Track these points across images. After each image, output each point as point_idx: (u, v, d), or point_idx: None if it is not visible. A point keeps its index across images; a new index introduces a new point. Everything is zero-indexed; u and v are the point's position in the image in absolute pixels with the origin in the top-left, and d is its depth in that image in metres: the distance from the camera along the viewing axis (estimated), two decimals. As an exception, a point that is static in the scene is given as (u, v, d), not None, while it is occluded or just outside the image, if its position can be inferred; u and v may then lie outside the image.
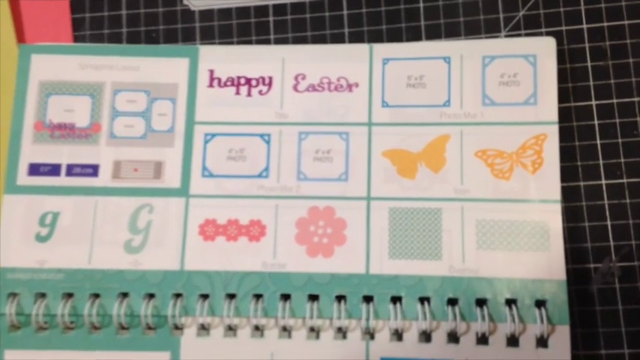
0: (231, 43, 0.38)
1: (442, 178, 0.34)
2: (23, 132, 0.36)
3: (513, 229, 0.33)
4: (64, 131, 0.36)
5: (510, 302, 0.32)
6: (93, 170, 0.35)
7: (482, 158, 0.34)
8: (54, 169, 0.35)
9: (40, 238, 0.34)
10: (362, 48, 0.36)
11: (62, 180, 0.35)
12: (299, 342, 0.33)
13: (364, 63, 0.36)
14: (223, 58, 0.37)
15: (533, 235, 0.33)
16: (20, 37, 0.39)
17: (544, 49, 0.35)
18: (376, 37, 0.38)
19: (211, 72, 0.37)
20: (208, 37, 0.39)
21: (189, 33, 0.39)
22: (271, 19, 0.38)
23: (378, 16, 0.38)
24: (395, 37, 0.38)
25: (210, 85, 0.36)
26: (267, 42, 0.38)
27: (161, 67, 0.36)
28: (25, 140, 0.36)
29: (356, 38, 0.38)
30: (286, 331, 0.33)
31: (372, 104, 0.35)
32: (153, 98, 0.36)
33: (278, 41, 0.38)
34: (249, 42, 0.38)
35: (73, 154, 0.35)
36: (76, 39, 0.39)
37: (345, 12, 0.38)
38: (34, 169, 0.35)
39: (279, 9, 0.38)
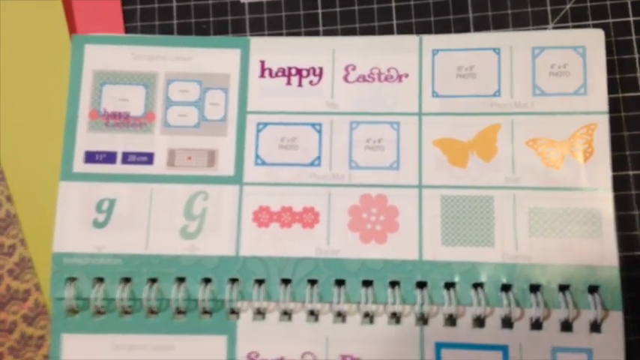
0: (280, 34, 0.39)
1: (493, 166, 0.35)
2: (78, 120, 0.36)
3: (565, 217, 0.34)
4: (119, 120, 0.36)
5: (564, 288, 0.33)
6: (148, 158, 0.36)
7: (533, 147, 0.35)
8: (109, 157, 0.36)
9: (98, 224, 0.35)
10: (411, 39, 0.37)
11: (118, 167, 0.36)
12: (353, 327, 0.34)
13: (414, 54, 0.37)
14: (274, 49, 0.37)
15: (585, 222, 0.34)
16: (72, 28, 0.39)
17: (593, 40, 0.36)
18: (424, 29, 0.38)
19: (262, 63, 0.37)
20: (258, 29, 0.39)
21: (239, 25, 0.39)
22: (320, 11, 0.39)
23: (427, 7, 0.38)
24: (443, 28, 0.38)
25: (262, 76, 0.37)
26: (315, 34, 0.39)
27: (213, 58, 0.37)
28: (81, 129, 0.36)
29: (404, 30, 0.38)
30: (341, 316, 0.34)
31: (423, 94, 0.36)
32: (205, 88, 0.37)
33: (327, 33, 0.39)
34: (298, 34, 0.39)
35: (128, 143, 0.36)
36: (128, 30, 0.39)
37: (393, 4, 0.39)
38: (90, 157, 0.36)
39: (327, 1, 0.39)
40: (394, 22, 0.39)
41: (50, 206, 0.36)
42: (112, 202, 0.35)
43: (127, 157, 0.36)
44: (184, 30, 0.39)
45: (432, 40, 0.37)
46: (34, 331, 0.36)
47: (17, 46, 0.38)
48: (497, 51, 0.36)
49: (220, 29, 0.39)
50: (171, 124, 0.36)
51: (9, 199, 0.37)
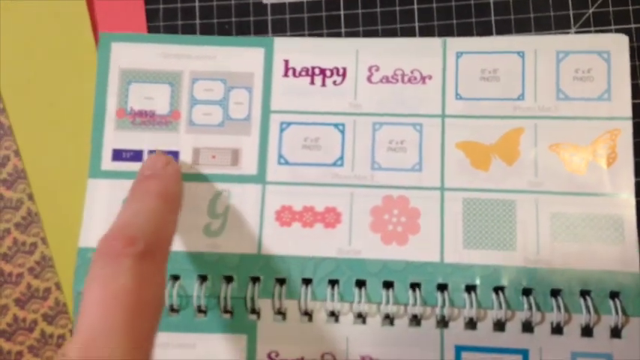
0: (303, 35, 0.39)
1: (516, 170, 0.35)
2: (106, 119, 0.37)
3: (587, 222, 0.34)
4: (145, 118, 0.37)
5: (585, 293, 0.33)
6: (173, 156, 0.36)
7: (556, 152, 0.35)
8: (136, 155, 0.36)
9: (122, 221, 0.35)
10: (435, 41, 0.37)
11: (143, 165, 0.36)
12: (373, 328, 0.34)
13: (437, 56, 0.37)
14: (298, 49, 0.37)
15: (607, 228, 0.34)
16: (95, 27, 0.40)
17: (617, 45, 0.35)
18: (446, 32, 0.38)
19: (286, 62, 0.37)
20: (280, 30, 0.39)
21: (262, 26, 0.39)
22: (342, 12, 0.39)
23: (449, 10, 0.39)
24: (465, 31, 0.38)
25: (285, 75, 0.37)
26: (337, 35, 0.39)
27: (237, 57, 0.37)
28: (108, 127, 0.37)
29: (426, 32, 0.38)
30: (361, 317, 0.34)
31: (446, 96, 0.36)
32: (230, 87, 0.37)
33: (349, 35, 0.39)
34: (320, 35, 0.39)
35: (153, 141, 0.36)
36: (150, 30, 0.40)
37: (415, 6, 0.39)
38: (118, 155, 0.36)
39: (350, 3, 0.39)
40: (416, 24, 0.39)
41: (72, 205, 0.36)
42: (136, 200, 0.36)
43: (152, 155, 0.36)
44: (207, 30, 0.40)
45: (456, 43, 0.37)
46: (54, 329, 0.37)
47: (40, 45, 0.39)
48: (521, 54, 0.36)
49: (242, 30, 0.40)
50: (196, 122, 0.37)
51: (30, 197, 0.37)
